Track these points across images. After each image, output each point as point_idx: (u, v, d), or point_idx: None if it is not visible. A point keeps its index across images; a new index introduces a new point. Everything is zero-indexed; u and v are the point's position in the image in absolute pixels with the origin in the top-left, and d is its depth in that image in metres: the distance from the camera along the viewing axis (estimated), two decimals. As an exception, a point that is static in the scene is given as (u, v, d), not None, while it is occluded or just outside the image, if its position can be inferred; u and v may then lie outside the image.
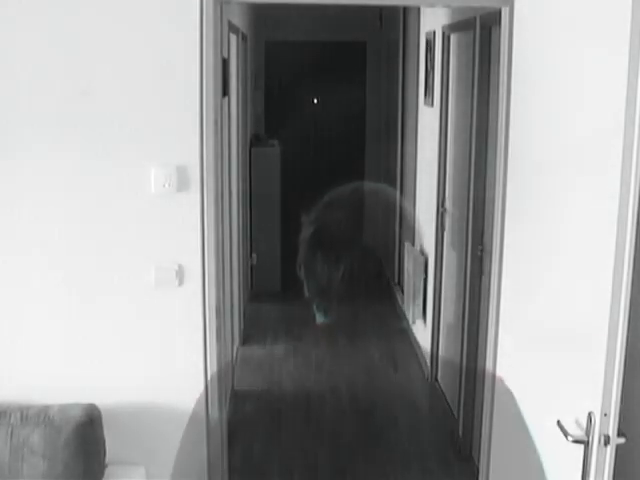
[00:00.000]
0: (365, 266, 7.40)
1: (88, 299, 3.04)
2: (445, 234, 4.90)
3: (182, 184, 2.98)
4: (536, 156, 2.81)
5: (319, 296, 3.00)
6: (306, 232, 2.92)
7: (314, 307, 3.60)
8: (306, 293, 3.15)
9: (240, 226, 5.62)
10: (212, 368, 3.14)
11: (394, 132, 6.89)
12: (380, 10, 7.74)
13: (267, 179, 6.80)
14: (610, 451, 2.10)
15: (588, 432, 2.11)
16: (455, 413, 4.55)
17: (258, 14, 7.14)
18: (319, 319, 3.39)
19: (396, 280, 6.94)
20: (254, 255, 6.57)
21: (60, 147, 2.94)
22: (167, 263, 3.03)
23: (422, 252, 5.52)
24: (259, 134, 7.55)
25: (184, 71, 2.92)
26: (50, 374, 3.08)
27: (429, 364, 5.25)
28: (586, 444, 2.11)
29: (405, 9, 6.40)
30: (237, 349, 5.59)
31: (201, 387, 3.14)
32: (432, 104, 5.14)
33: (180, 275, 3.04)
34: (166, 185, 2.97)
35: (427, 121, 5.42)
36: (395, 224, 6.92)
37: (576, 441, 2.14)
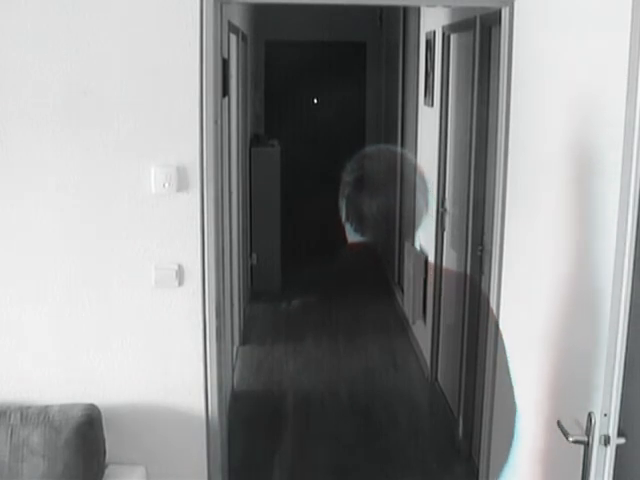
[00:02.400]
0: (365, 265, 7.40)
1: (88, 299, 3.04)
2: (445, 234, 4.90)
3: (182, 184, 2.98)
4: (536, 156, 2.81)
5: (355, 220, 3.55)
6: (350, 177, 3.49)
7: (349, 228, 4.12)
8: (343, 218, 3.69)
9: (240, 226, 5.62)
10: (212, 368, 3.14)
11: (394, 132, 6.89)
12: (380, 10, 7.74)
13: (267, 179, 6.80)
14: (610, 451, 2.10)
15: (588, 432, 2.11)
16: (455, 413, 4.55)
17: (258, 14, 7.14)
18: (351, 237, 3.90)
19: (396, 280, 6.94)
20: (254, 255, 6.57)
21: (60, 147, 2.94)
22: (167, 263, 3.03)
23: (422, 252, 5.52)
24: (259, 134, 7.55)
25: (184, 71, 2.92)
26: (50, 374, 3.08)
27: (429, 364, 5.25)
28: (586, 444, 2.12)
29: (405, 9, 6.40)
30: (237, 349, 5.59)
31: (201, 387, 3.14)
32: (432, 104, 5.14)
33: (180, 275, 3.04)
34: (166, 185, 2.97)
35: (427, 121, 5.42)
36: (395, 224, 6.92)
37: (576, 441, 2.14)
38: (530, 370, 2.83)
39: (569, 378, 2.39)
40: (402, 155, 6.66)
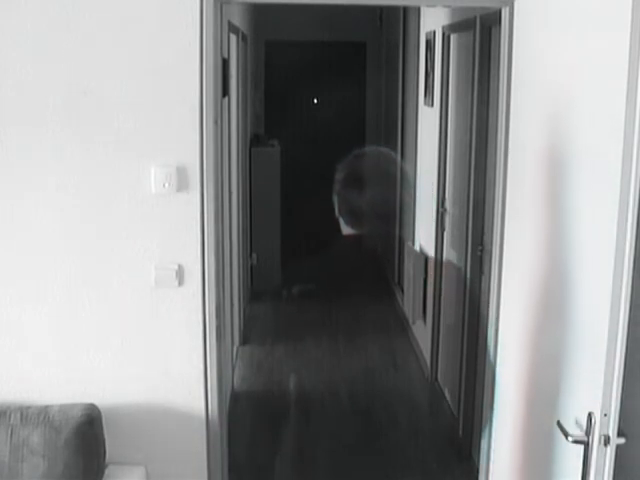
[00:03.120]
0: (365, 265, 7.40)
1: (88, 299, 3.04)
2: (445, 234, 4.90)
3: (182, 184, 2.98)
4: (536, 156, 2.81)
5: (347, 214, 3.76)
6: (341, 174, 3.77)
7: (342, 222, 4.36)
8: (337, 213, 3.93)
9: (240, 226, 5.62)
10: (212, 368, 3.14)
11: (394, 132, 6.89)
12: (380, 10, 7.74)
13: (267, 179, 6.80)
14: (610, 451, 2.10)
15: (588, 432, 2.11)
16: (455, 413, 4.55)
17: (258, 14, 7.14)
18: (345, 230, 4.10)
19: (396, 280, 6.94)
20: (254, 255, 6.57)
21: (60, 147, 2.94)
22: (167, 263, 3.03)
23: (422, 252, 5.52)
24: (259, 134, 7.55)
25: (184, 71, 2.92)
26: (50, 374, 3.08)
27: (429, 364, 5.25)
28: (586, 444, 2.12)
29: (405, 9, 6.40)
30: (237, 349, 5.59)
31: (201, 387, 3.14)
32: (432, 104, 5.14)
33: (180, 275, 3.04)
34: (166, 185, 2.97)
35: (427, 121, 5.42)
36: (395, 224, 6.92)
37: (576, 441, 2.14)
38: (530, 369, 2.83)
39: (569, 378, 2.39)
40: (402, 155, 6.65)
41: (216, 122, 3.00)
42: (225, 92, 3.87)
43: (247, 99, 6.25)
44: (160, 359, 3.10)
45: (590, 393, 2.13)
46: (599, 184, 2.19)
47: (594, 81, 2.26)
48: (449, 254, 4.79)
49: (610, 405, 2.07)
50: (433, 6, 4.63)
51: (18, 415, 2.87)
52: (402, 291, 6.46)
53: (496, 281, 3.24)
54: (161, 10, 2.89)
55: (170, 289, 3.05)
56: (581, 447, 2.13)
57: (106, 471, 3.00)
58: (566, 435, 2.18)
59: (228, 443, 3.43)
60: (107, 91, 2.91)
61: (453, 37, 4.59)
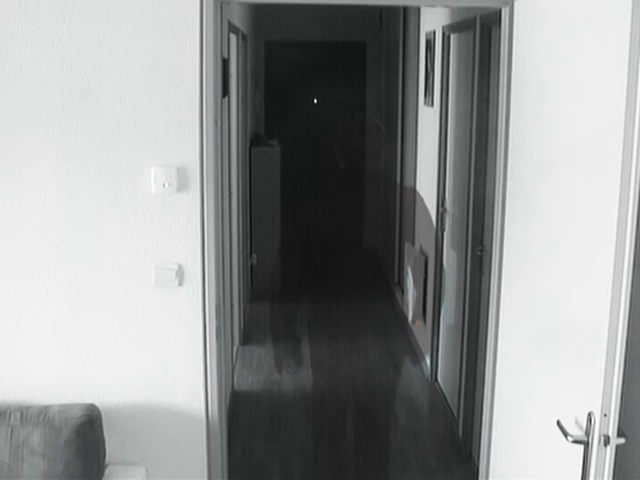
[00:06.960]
0: (365, 266, 7.42)
1: (88, 299, 3.04)
2: (445, 234, 4.90)
3: (182, 184, 2.98)
4: (536, 156, 2.81)
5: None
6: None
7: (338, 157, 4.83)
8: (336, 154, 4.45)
9: (240, 226, 5.62)
10: (212, 368, 3.14)
11: (394, 132, 6.89)
12: (380, 10, 7.75)
13: (267, 179, 6.80)
14: (610, 451, 2.10)
15: (588, 432, 2.11)
16: (455, 413, 4.56)
17: (258, 14, 7.15)
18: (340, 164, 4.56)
19: (396, 280, 6.94)
20: (254, 255, 6.58)
21: (60, 147, 2.94)
22: (167, 263, 3.03)
23: (422, 252, 5.52)
24: (259, 134, 7.55)
25: (184, 71, 2.92)
26: (50, 374, 3.08)
27: (429, 364, 5.25)
28: (586, 444, 2.12)
29: (405, 9, 6.41)
30: (237, 349, 5.59)
31: (201, 387, 3.14)
32: (432, 104, 5.14)
33: (180, 275, 3.04)
34: (166, 185, 2.97)
35: (427, 121, 5.43)
36: (395, 224, 6.92)
37: (576, 441, 2.14)
38: (530, 370, 2.83)
39: (569, 378, 2.39)
40: (402, 155, 6.65)
41: (216, 122, 3.00)
42: (225, 92, 3.87)
43: (247, 99, 6.25)
44: (160, 359, 3.10)
45: (590, 393, 2.13)
46: (599, 183, 2.19)
47: (594, 81, 2.26)
48: (449, 254, 4.79)
49: (610, 405, 2.07)
50: (433, 6, 4.63)
51: (18, 415, 2.87)
52: (402, 291, 6.46)
53: (496, 281, 3.24)
54: (161, 10, 2.89)
55: (170, 289, 3.05)
56: (581, 447, 2.13)
57: (106, 471, 3.00)
58: (566, 435, 2.18)
59: (228, 443, 3.44)
60: (107, 91, 2.91)
61: (453, 37, 4.59)
